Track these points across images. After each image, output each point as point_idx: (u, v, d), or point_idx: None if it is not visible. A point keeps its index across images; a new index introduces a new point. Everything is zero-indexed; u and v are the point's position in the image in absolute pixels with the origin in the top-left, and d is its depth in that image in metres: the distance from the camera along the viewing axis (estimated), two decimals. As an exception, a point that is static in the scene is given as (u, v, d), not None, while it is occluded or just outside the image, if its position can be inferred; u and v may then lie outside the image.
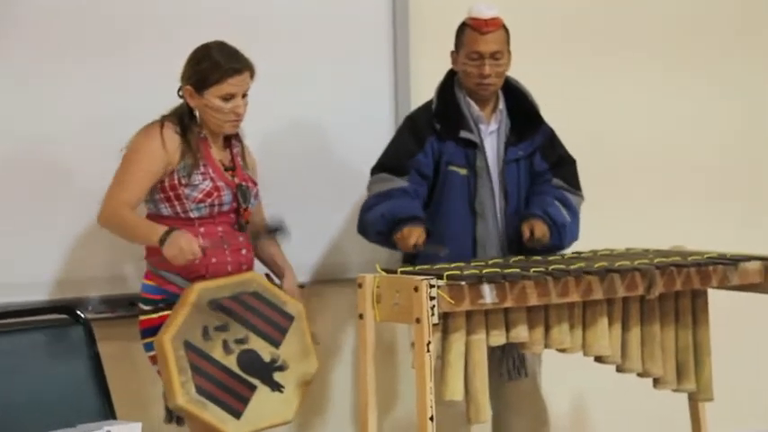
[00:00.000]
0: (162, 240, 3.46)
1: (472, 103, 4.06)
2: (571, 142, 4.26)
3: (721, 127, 5.35)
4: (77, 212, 3.86)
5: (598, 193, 4.47)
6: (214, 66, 3.55)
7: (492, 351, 3.66)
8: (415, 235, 3.81)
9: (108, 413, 3.72)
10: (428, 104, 4.13)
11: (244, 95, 3.62)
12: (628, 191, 5.11)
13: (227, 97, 3.58)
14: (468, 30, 4.01)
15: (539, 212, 4.00)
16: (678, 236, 4.48)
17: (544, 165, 4.13)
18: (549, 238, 3.97)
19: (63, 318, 3.78)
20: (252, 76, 3.62)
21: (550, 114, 4.20)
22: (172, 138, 3.58)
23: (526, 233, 3.95)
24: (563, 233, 4.03)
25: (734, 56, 5.34)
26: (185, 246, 3.45)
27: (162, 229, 3.49)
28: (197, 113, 3.63)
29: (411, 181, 3.98)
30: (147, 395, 3.95)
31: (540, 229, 3.95)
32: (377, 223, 3.92)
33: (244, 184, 3.68)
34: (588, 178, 4.28)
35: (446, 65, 4.12)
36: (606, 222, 4.69)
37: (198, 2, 4.12)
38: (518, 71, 4.12)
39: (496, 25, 3.99)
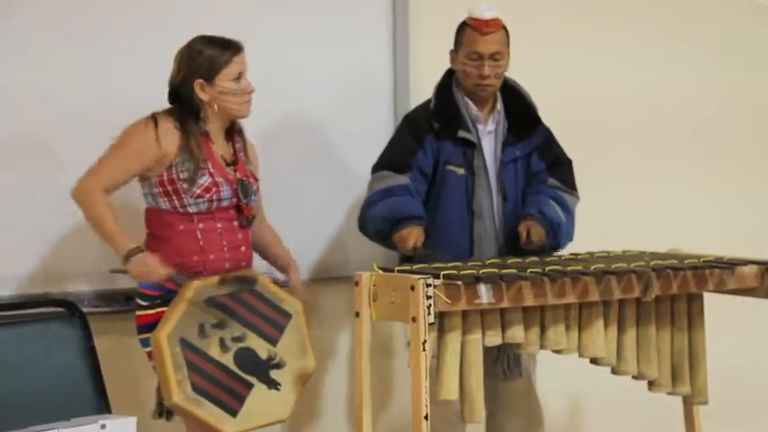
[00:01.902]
0: (126, 258, 3.49)
1: (470, 102, 4.06)
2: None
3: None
4: (73, 206, 3.85)
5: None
6: (216, 52, 3.58)
7: (487, 351, 3.66)
8: (414, 236, 3.81)
9: (103, 407, 3.72)
10: (426, 104, 4.13)
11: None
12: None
13: (238, 77, 3.59)
14: (468, 30, 4.01)
15: (534, 212, 4.00)
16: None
17: (541, 165, 4.14)
18: (546, 238, 3.98)
19: (59, 311, 3.78)
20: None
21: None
22: (169, 132, 3.57)
23: (523, 235, 3.95)
24: (559, 233, 4.04)
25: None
26: (152, 265, 3.48)
27: (128, 245, 3.50)
28: (207, 107, 3.62)
29: (412, 178, 3.98)
30: (142, 390, 3.95)
31: (537, 232, 3.95)
32: (377, 223, 3.92)
33: (245, 179, 3.68)
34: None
35: (446, 63, 4.12)
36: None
37: (201, 7, 4.12)
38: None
39: (497, 26, 3.99)
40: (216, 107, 3.61)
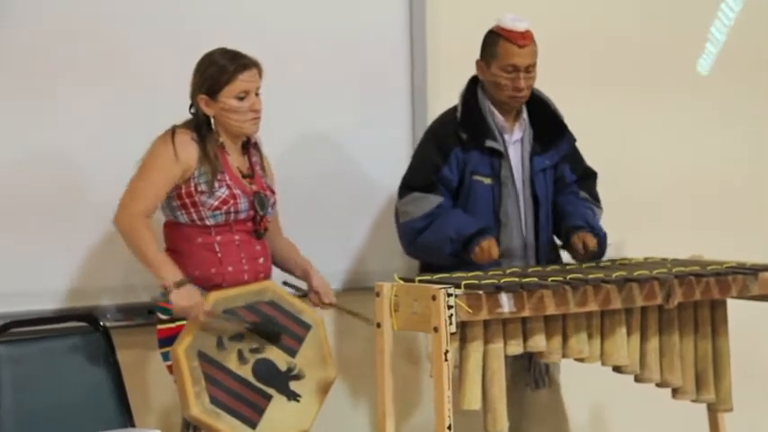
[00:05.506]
0: (175, 286, 3.47)
1: (496, 111, 4.04)
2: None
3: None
4: (95, 222, 3.87)
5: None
6: (222, 67, 3.57)
7: (518, 360, 3.64)
8: (495, 247, 3.84)
9: (127, 421, 3.74)
10: (449, 115, 4.09)
11: (256, 93, 3.63)
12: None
13: (242, 95, 3.59)
14: (503, 41, 3.97)
15: (583, 224, 4.02)
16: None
17: (573, 176, 4.15)
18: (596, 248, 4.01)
19: (82, 326, 3.80)
20: (260, 73, 3.63)
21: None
22: (187, 144, 3.58)
23: (579, 246, 3.97)
24: (604, 244, 4.07)
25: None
26: (195, 303, 3.47)
27: (177, 274, 3.49)
28: (213, 122, 3.63)
29: (444, 195, 3.98)
30: (165, 403, 3.96)
31: (592, 242, 3.98)
32: (443, 246, 3.89)
33: (261, 192, 3.69)
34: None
35: (462, 69, 4.10)
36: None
37: (219, 16, 4.13)
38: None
39: (531, 38, 3.98)
40: (215, 123, 3.62)
